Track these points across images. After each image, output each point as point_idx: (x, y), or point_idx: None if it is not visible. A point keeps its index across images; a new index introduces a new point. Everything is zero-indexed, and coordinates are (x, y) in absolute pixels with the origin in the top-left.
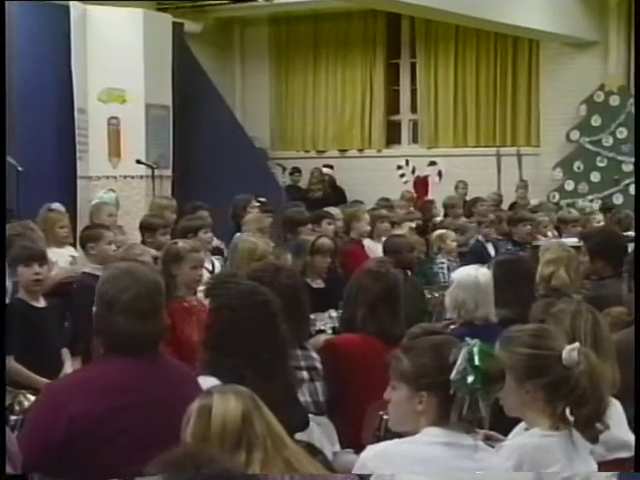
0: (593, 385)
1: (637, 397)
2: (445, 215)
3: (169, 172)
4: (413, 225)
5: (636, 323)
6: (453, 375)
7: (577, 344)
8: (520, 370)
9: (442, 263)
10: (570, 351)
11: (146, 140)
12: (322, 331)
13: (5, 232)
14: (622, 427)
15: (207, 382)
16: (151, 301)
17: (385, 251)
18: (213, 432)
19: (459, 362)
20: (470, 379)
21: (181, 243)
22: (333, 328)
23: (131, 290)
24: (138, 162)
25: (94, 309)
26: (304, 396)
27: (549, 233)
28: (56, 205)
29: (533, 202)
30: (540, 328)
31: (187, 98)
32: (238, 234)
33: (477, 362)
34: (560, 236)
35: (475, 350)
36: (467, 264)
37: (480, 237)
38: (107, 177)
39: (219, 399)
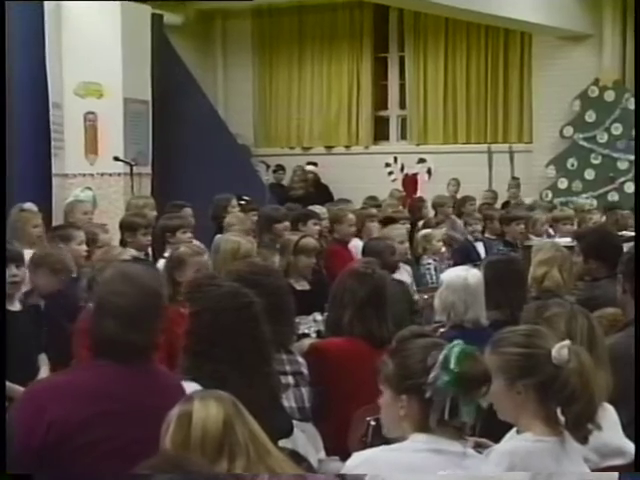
0: (583, 383)
1: (637, 397)
2: (435, 214)
3: (148, 169)
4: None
5: (636, 324)
6: (429, 378)
7: (568, 341)
8: (510, 370)
9: (428, 264)
10: (560, 349)
11: (124, 136)
12: (306, 335)
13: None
14: (616, 433)
15: (188, 388)
16: (147, 310)
17: (365, 254)
18: (193, 439)
19: (436, 364)
20: (442, 381)
21: (183, 248)
22: (318, 332)
23: (127, 296)
24: (116, 159)
25: (89, 306)
26: (289, 402)
27: (545, 233)
28: (28, 205)
29: (527, 201)
30: (531, 328)
31: (167, 92)
32: (220, 235)
33: (452, 364)
34: (555, 235)
35: (453, 352)
36: (458, 264)
37: (469, 236)
38: (84, 175)
39: (200, 405)
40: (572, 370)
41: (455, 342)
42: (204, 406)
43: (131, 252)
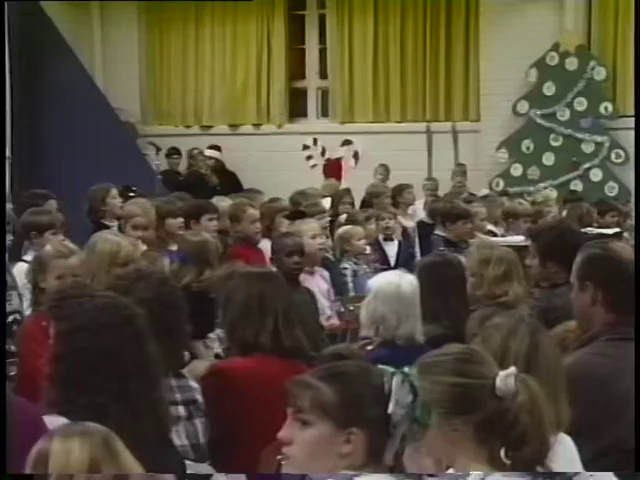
0: (535, 420)
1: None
2: (369, 206)
3: (7, 152)
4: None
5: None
6: (392, 408)
7: (513, 369)
8: (446, 404)
9: (345, 268)
10: (505, 378)
11: None
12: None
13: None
14: (574, 469)
15: (55, 422)
16: None
17: (273, 253)
18: None
19: (397, 393)
20: (418, 413)
21: (47, 248)
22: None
23: None
24: None
25: None
26: (180, 439)
27: (495, 230)
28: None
29: (482, 192)
30: (466, 351)
31: (29, 56)
32: (97, 233)
33: (403, 397)
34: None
35: (396, 383)
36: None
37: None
38: None
39: (60, 444)
40: (521, 405)
41: (405, 368)
42: (65, 446)
43: None
